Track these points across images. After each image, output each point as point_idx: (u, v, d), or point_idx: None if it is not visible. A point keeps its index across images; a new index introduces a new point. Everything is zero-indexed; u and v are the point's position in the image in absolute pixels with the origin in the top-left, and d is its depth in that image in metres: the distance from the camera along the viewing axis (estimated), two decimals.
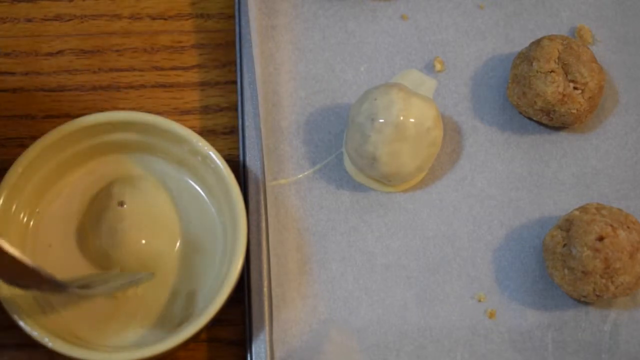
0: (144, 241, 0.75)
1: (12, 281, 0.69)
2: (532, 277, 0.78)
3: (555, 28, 0.84)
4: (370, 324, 0.76)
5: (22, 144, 0.76)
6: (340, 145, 0.80)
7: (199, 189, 0.77)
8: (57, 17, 0.83)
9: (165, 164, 0.78)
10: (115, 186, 0.76)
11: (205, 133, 0.80)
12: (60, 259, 0.76)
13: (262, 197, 0.78)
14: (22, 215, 0.75)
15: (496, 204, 0.79)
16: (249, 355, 0.75)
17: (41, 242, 0.76)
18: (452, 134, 0.81)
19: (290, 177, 0.79)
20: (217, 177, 0.75)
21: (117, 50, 0.83)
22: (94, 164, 0.78)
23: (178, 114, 0.81)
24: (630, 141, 0.81)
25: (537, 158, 0.80)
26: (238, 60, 0.81)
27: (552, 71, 0.78)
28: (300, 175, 0.79)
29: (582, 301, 0.76)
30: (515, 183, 0.80)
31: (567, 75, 0.78)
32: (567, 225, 0.75)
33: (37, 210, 0.76)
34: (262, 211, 0.77)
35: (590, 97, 0.78)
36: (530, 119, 0.81)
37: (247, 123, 0.80)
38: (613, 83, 0.82)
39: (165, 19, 0.84)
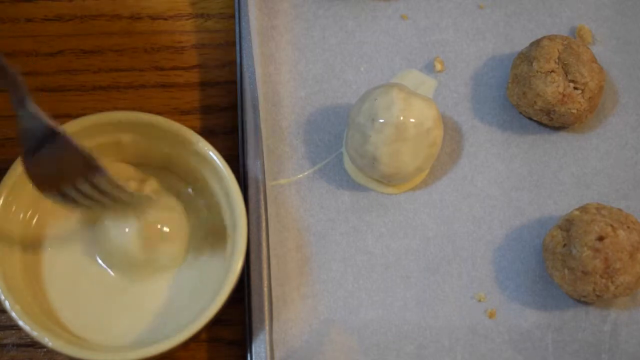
0: (166, 229, 0.76)
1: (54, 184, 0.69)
2: (532, 277, 0.78)
3: (555, 28, 0.84)
4: (370, 324, 0.76)
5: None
6: (340, 145, 0.80)
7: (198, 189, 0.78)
8: (57, 17, 0.83)
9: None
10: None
11: (205, 133, 0.80)
12: (62, 258, 0.76)
13: (262, 197, 0.78)
14: (21, 216, 0.75)
15: (496, 204, 0.79)
16: (249, 355, 0.75)
17: (42, 242, 0.76)
18: (452, 134, 0.81)
19: (290, 177, 0.79)
20: (217, 177, 0.75)
21: (117, 50, 0.83)
22: None
23: (178, 114, 0.82)
24: (630, 141, 0.81)
25: (537, 158, 0.80)
26: (238, 60, 0.81)
27: (552, 71, 0.78)
28: (300, 175, 0.79)
29: (582, 301, 0.76)
30: (515, 183, 0.80)
31: (567, 75, 0.78)
32: (567, 225, 0.75)
33: (37, 210, 0.76)
34: (262, 211, 0.77)
35: (590, 97, 0.78)
36: (530, 119, 0.81)
37: (247, 123, 0.80)
38: (613, 83, 0.82)
39: (165, 19, 0.84)
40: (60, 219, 0.77)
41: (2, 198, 0.73)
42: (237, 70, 0.81)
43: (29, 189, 0.75)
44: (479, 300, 0.77)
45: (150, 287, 0.76)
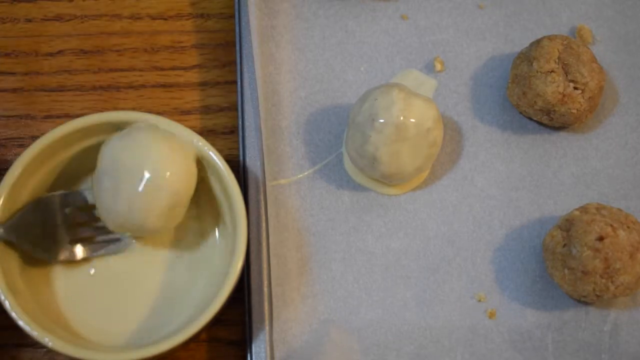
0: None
1: None
2: (532, 277, 0.78)
3: (555, 28, 0.84)
4: (370, 324, 0.76)
5: (22, 144, 0.76)
6: (340, 145, 0.80)
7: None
8: (57, 17, 0.83)
9: None
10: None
11: (205, 133, 0.80)
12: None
13: (262, 197, 0.78)
14: None
15: (496, 204, 0.79)
16: (249, 355, 0.75)
17: None
18: (452, 134, 0.81)
19: (290, 177, 0.79)
20: (217, 177, 0.75)
21: (117, 50, 0.83)
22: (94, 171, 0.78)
23: (178, 114, 0.82)
24: (630, 141, 0.81)
25: (537, 158, 0.80)
26: (238, 60, 0.81)
27: (552, 71, 0.78)
28: (300, 175, 0.79)
29: (582, 301, 0.76)
30: (515, 183, 0.80)
31: (567, 75, 0.78)
32: (567, 225, 0.75)
33: None
34: (262, 211, 0.77)
35: (590, 97, 0.78)
36: (530, 119, 0.81)
37: (247, 123, 0.80)
38: (613, 83, 0.82)
39: (165, 19, 0.84)
40: None
41: (2, 198, 0.73)
42: (237, 70, 0.81)
43: (28, 189, 0.75)
44: (479, 300, 0.77)
45: (150, 286, 0.76)
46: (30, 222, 0.74)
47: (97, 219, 0.75)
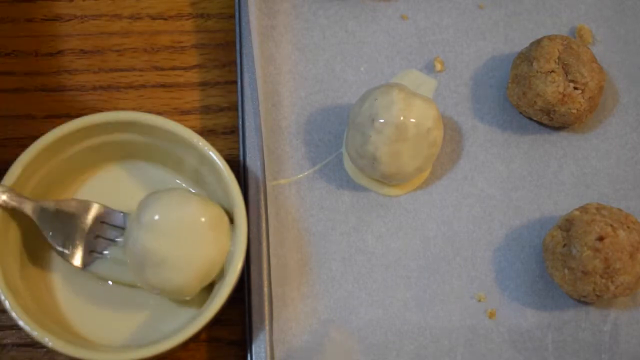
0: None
1: None
2: (532, 277, 0.78)
3: (555, 28, 0.84)
4: (370, 324, 0.76)
5: (22, 144, 0.76)
6: (340, 145, 0.80)
7: (198, 190, 0.78)
8: (57, 17, 0.83)
9: (163, 170, 0.78)
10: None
11: (205, 133, 0.80)
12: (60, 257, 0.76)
13: (262, 197, 0.78)
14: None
15: (496, 204, 0.79)
16: (249, 355, 0.75)
17: (40, 242, 0.76)
18: (452, 134, 0.81)
19: (290, 177, 0.79)
20: (217, 177, 0.75)
21: (117, 50, 0.83)
22: (94, 171, 0.78)
23: (178, 114, 0.82)
24: (630, 141, 0.81)
25: (537, 158, 0.80)
26: (238, 60, 0.81)
27: (552, 71, 0.78)
28: (300, 175, 0.79)
29: (582, 301, 0.76)
30: (515, 183, 0.80)
31: (567, 75, 0.78)
32: (567, 225, 0.75)
33: None
34: (262, 211, 0.77)
35: (590, 97, 0.78)
36: (530, 119, 0.81)
37: (247, 123, 0.80)
38: (613, 83, 0.82)
39: (165, 19, 0.84)
40: None
41: None
42: (237, 70, 0.81)
43: (28, 189, 0.75)
44: (479, 300, 0.77)
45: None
46: (61, 213, 0.74)
47: (119, 235, 0.75)
